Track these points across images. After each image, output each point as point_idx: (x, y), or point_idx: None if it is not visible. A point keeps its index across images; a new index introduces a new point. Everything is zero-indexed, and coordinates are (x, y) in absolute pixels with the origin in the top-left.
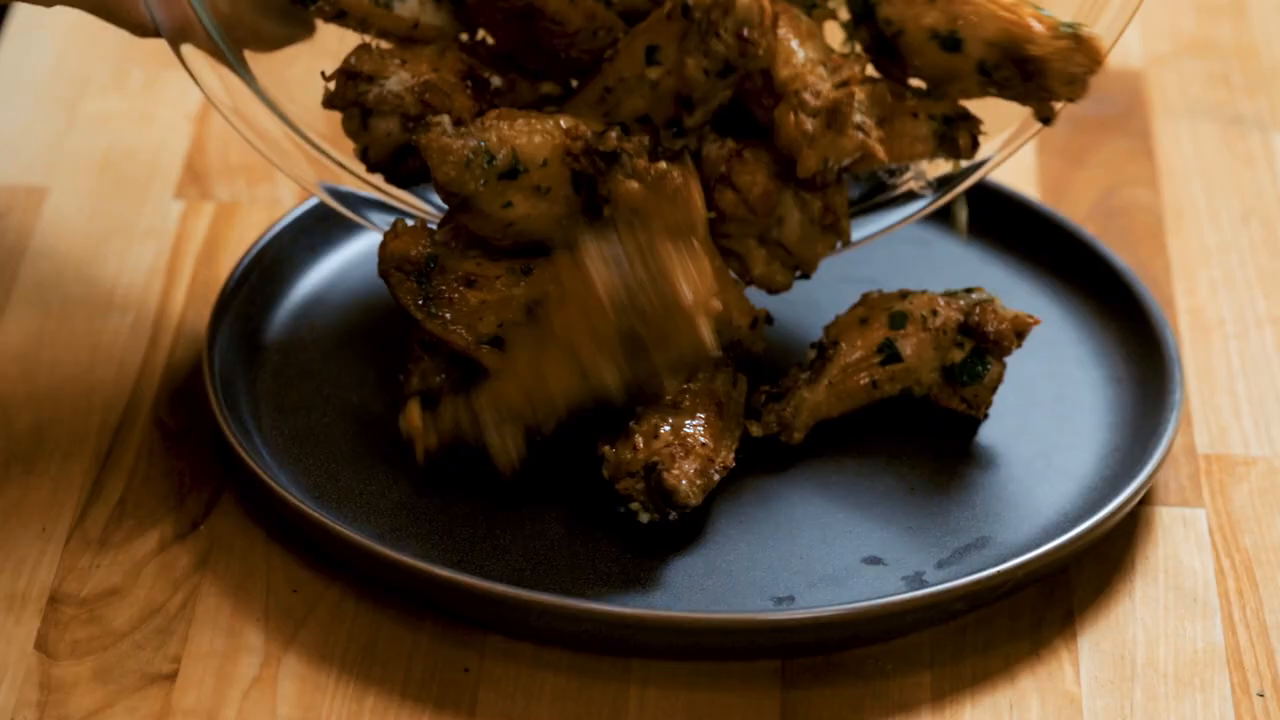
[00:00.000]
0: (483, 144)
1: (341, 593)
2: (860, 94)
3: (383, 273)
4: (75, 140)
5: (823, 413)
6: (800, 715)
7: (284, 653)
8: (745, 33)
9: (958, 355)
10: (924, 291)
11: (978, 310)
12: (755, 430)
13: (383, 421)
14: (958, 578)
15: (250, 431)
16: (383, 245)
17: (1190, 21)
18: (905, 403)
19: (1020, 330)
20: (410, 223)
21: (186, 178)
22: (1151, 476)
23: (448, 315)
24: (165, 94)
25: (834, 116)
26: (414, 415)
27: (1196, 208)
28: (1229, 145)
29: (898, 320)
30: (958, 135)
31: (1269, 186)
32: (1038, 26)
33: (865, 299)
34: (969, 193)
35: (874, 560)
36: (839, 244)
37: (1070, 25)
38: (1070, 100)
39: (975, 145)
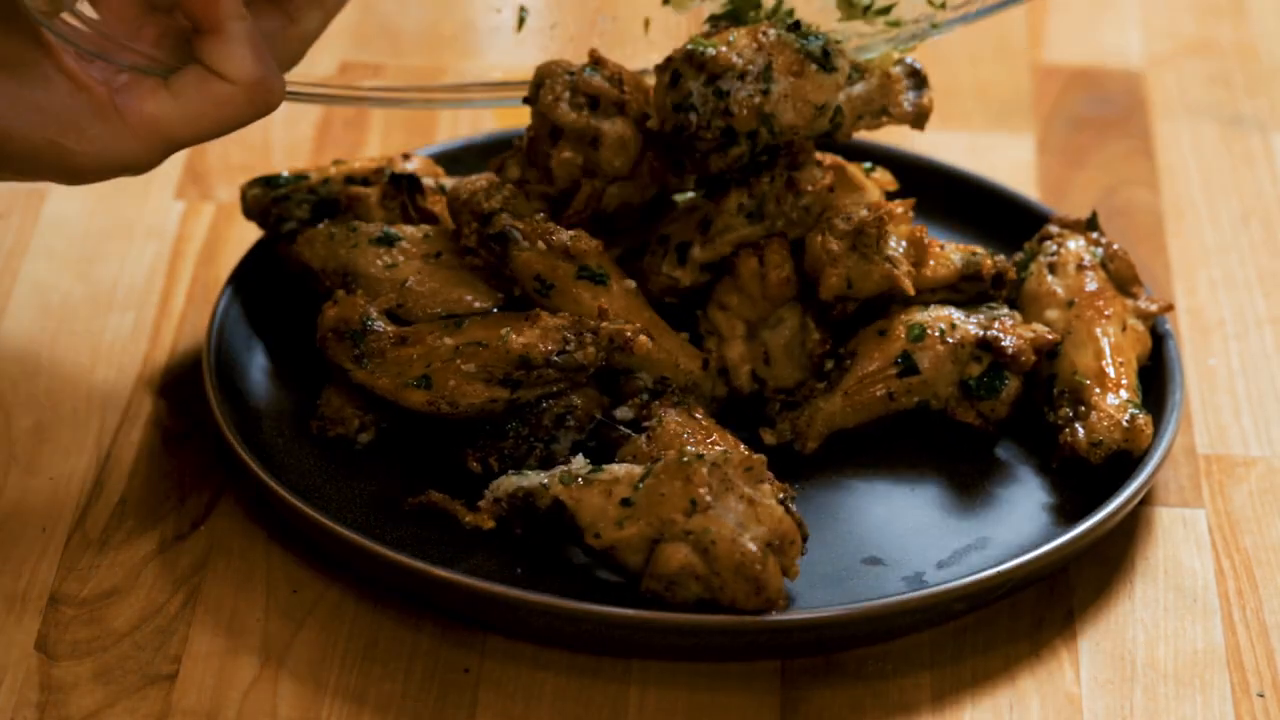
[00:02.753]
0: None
1: (341, 593)
2: (893, 227)
3: (319, 339)
4: None
5: (837, 423)
6: (800, 716)
7: (284, 653)
8: (793, 178)
9: (975, 369)
10: (943, 305)
11: (996, 325)
12: (769, 438)
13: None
14: (958, 578)
15: (250, 432)
16: (321, 314)
17: (1190, 22)
18: (922, 416)
19: (1039, 346)
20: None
21: (187, 178)
22: (1151, 477)
23: (377, 367)
24: None
25: (860, 239)
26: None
27: (1196, 208)
28: (1229, 145)
29: (916, 333)
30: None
31: (1269, 186)
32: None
33: (885, 311)
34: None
35: (874, 560)
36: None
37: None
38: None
39: (1001, 278)
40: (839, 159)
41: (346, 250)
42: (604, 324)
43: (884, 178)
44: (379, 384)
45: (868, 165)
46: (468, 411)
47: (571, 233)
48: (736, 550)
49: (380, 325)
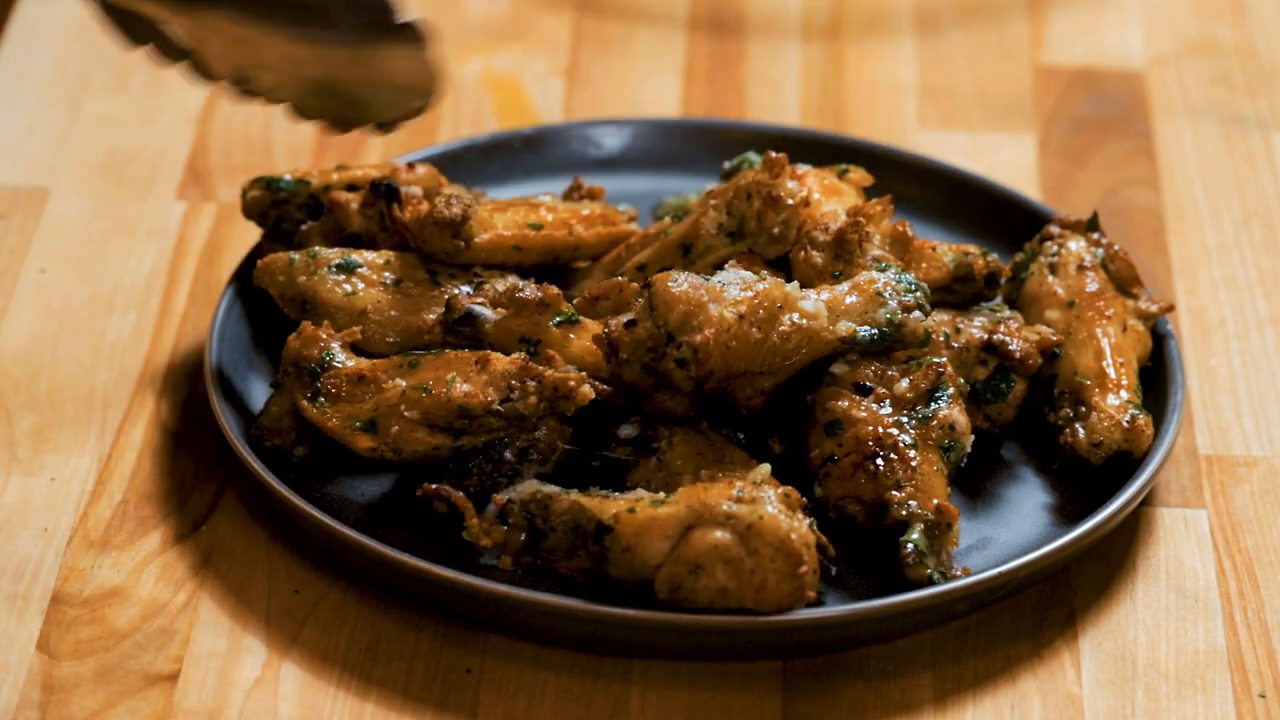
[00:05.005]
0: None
1: (343, 593)
2: (873, 227)
3: (282, 372)
4: (77, 141)
5: None
6: (801, 716)
7: (285, 653)
8: (773, 194)
9: (981, 373)
10: (945, 310)
11: (1001, 329)
12: (778, 448)
13: None
14: (959, 578)
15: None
16: (285, 346)
17: (1191, 22)
18: None
19: (1044, 348)
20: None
21: (188, 178)
22: (1153, 477)
23: (330, 406)
24: (167, 95)
25: (842, 248)
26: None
27: (1197, 208)
28: (1229, 145)
29: (921, 339)
30: (973, 262)
31: (1269, 186)
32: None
33: None
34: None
35: (874, 560)
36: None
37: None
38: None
39: (994, 277)
40: (810, 168)
41: (306, 278)
42: (548, 372)
43: (858, 175)
44: (329, 425)
45: (841, 167)
46: (412, 458)
47: (530, 283)
48: (782, 526)
49: (340, 360)
